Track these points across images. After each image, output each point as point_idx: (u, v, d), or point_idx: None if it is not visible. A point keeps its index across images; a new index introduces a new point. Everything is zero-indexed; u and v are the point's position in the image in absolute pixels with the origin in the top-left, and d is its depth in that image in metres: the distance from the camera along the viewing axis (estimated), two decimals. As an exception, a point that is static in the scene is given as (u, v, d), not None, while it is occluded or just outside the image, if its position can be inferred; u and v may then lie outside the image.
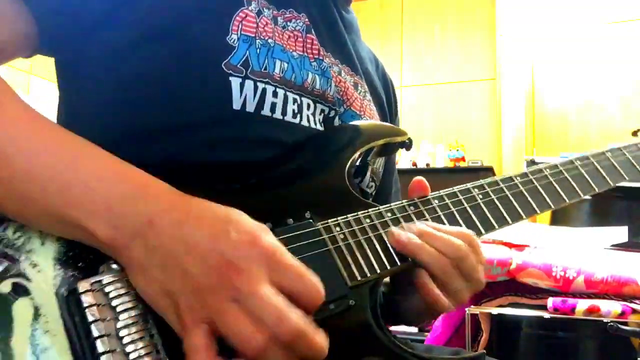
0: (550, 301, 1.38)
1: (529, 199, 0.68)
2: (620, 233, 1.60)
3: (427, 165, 4.19)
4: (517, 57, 4.25)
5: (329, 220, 0.56)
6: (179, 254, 0.44)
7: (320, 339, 0.43)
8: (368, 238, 0.57)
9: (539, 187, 0.69)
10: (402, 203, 0.62)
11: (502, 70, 4.30)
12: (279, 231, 0.52)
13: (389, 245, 0.57)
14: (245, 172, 0.58)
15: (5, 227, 0.48)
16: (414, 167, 4.12)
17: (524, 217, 0.66)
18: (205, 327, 0.42)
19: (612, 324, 1.28)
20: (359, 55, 0.79)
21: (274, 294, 0.42)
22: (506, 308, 1.46)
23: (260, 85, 0.61)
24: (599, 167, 0.74)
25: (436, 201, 0.64)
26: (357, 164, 0.67)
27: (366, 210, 0.59)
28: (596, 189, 0.72)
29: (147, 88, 0.58)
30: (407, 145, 0.69)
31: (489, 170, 3.83)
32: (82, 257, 0.48)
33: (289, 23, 0.67)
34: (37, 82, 4.02)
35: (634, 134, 2.44)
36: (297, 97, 0.65)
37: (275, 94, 0.62)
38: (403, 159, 4.09)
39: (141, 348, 0.44)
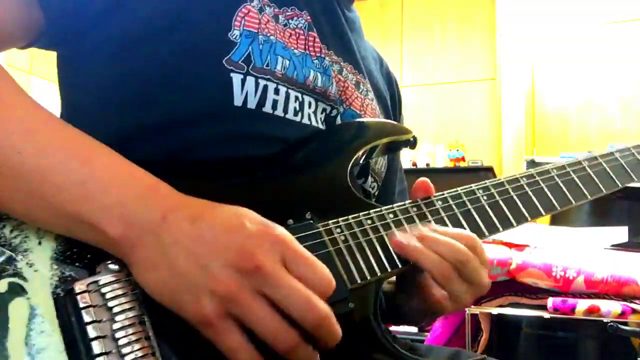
0: (550, 301, 1.37)
1: (535, 200, 0.66)
2: (620, 233, 1.60)
3: (427, 165, 4.18)
4: (517, 57, 4.25)
5: (330, 222, 0.56)
6: (196, 250, 0.44)
7: (337, 324, 0.45)
8: (369, 240, 0.56)
9: (544, 188, 0.67)
10: (404, 204, 0.61)
11: (502, 70, 4.30)
12: None
13: (390, 247, 0.56)
14: (244, 169, 0.58)
15: (3, 226, 0.47)
16: (414, 167, 4.12)
17: (529, 219, 0.64)
18: (235, 325, 0.43)
19: (612, 324, 1.28)
20: (362, 53, 0.79)
21: (297, 281, 0.43)
22: (506, 308, 1.46)
23: (262, 82, 0.60)
24: (607, 167, 0.72)
25: (439, 202, 0.62)
26: (361, 162, 0.67)
27: (368, 211, 0.59)
28: (604, 191, 0.70)
29: (148, 84, 0.58)
30: (412, 143, 0.68)
31: (489, 170, 3.83)
32: (79, 257, 0.47)
33: (290, 21, 0.67)
34: (37, 82, 4.02)
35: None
36: (299, 94, 0.65)
37: (277, 91, 0.62)
38: (403, 159, 4.05)
39: (137, 350, 0.43)
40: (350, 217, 0.57)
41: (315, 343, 0.45)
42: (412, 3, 4.75)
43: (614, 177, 0.71)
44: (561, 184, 0.68)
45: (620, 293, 1.35)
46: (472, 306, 1.47)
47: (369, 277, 0.54)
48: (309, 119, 0.66)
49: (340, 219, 0.56)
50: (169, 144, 0.58)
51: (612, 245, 1.56)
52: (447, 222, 0.61)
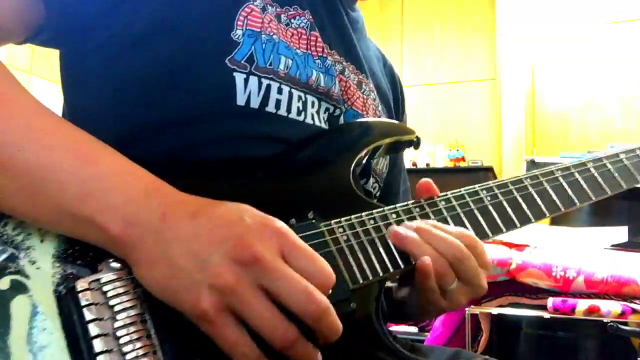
0: (550, 301, 1.38)
1: (539, 201, 0.65)
2: (620, 233, 1.60)
3: (427, 165, 4.18)
4: (517, 57, 4.25)
5: (332, 221, 0.56)
6: (196, 245, 0.44)
7: (337, 318, 0.44)
8: (371, 240, 0.56)
9: (549, 189, 0.66)
10: (407, 204, 0.61)
11: (502, 70, 4.30)
12: None
13: (392, 247, 0.56)
14: (247, 169, 0.58)
15: (5, 224, 0.47)
16: (414, 167, 4.12)
17: (533, 220, 0.64)
18: (234, 320, 0.42)
19: (612, 324, 1.28)
20: (364, 53, 0.78)
21: (296, 273, 0.43)
22: (506, 308, 1.46)
23: (265, 82, 0.60)
24: (612, 169, 0.71)
25: (442, 203, 0.62)
26: (363, 162, 0.67)
27: (370, 211, 0.58)
28: (609, 192, 0.69)
29: (150, 83, 0.58)
30: (416, 143, 0.68)
31: (489, 170, 3.83)
32: (81, 255, 0.47)
33: (292, 20, 0.67)
34: (37, 82, 4.01)
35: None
36: (302, 94, 0.64)
37: (280, 91, 0.61)
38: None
39: (139, 348, 0.43)
40: (352, 217, 0.57)
41: (315, 340, 0.44)
42: (412, 3, 4.75)
43: (619, 179, 0.70)
44: (565, 186, 0.67)
45: (620, 293, 1.36)
46: (472, 306, 1.47)
47: (371, 277, 0.53)
48: (312, 118, 0.66)
49: (342, 219, 0.56)
50: (171, 143, 0.58)
51: (612, 245, 1.56)
52: (450, 222, 0.61)
